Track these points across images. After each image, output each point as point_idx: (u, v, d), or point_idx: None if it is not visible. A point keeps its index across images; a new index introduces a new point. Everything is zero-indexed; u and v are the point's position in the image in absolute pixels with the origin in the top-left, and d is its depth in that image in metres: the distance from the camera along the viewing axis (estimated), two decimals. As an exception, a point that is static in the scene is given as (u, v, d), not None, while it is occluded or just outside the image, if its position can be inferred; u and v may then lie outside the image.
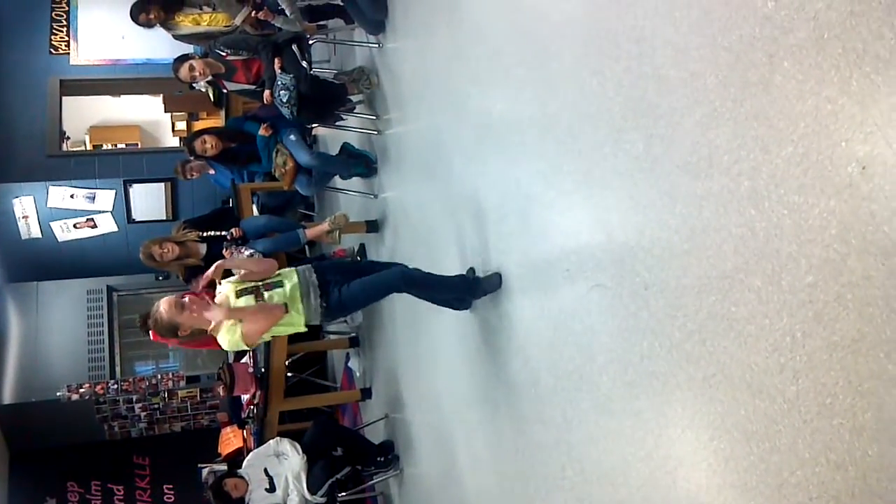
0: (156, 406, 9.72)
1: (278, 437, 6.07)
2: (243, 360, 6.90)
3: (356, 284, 3.81)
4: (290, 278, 3.74)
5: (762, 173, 1.87)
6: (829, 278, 1.70)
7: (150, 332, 3.87)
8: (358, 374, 7.16)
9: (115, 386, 9.53)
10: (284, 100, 5.28)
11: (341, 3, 5.40)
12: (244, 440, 7.56)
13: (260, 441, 6.58)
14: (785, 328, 1.84)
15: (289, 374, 6.94)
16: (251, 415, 6.84)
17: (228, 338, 3.61)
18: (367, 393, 6.76)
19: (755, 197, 1.90)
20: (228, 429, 8.29)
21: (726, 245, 2.02)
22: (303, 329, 3.82)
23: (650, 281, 2.40)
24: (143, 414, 9.72)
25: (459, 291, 3.97)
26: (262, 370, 6.30)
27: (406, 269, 4.03)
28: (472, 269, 3.96)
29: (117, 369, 9.91)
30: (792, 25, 1.74)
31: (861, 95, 1.60)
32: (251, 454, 6.16)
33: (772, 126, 1.83)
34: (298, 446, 5.83)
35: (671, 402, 2.34)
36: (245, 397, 6.89)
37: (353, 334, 7.21)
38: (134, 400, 9.62)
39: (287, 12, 5.34)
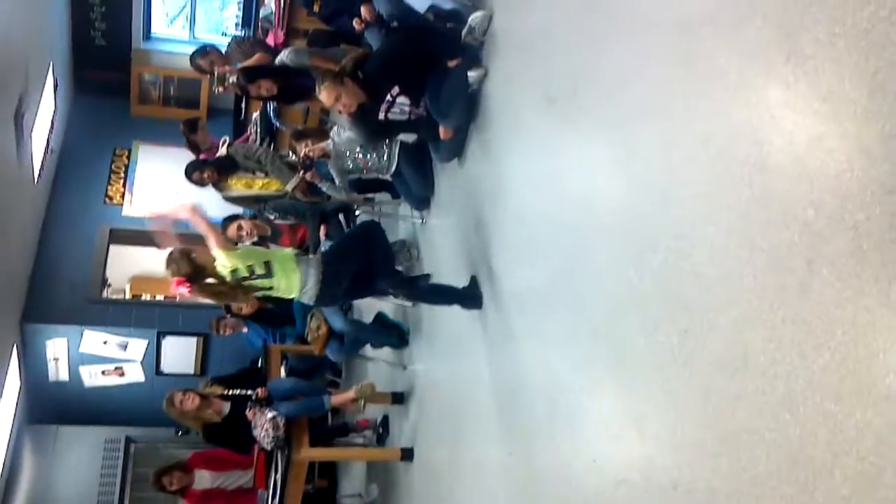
0: (159, 568, 9.39)
1: None
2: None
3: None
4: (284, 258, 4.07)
5: (798, 378, 1.85)
6: (865, 492, 1.64)
7: (177, 280, 3.83)
8: (369, 556, 6.92)
9: (121, 541, 9.28)
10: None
11: (389, 179, 5.57)
12: None
13: None
14: (817, 542, 1.76)
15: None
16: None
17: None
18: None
19: (790, 401, 1.86)
20: None
21: (758, 449, 1.97)
22: (285, 292, 4.03)
23: (679, 480, 2.33)
24: (145, 573, 9.38)
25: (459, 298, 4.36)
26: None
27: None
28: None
29: (124, 523, 9.67)
30: (832, 234, 1.76)
31: (900, 308, 1.59)
32: None
33: (810, 331, 1.82)
34: None
35: None
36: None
37: (367, 510, 7.02)
38: (138, 558, 9.32)
39: (336, 180, 5.52)
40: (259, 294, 4.08)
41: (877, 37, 1.68)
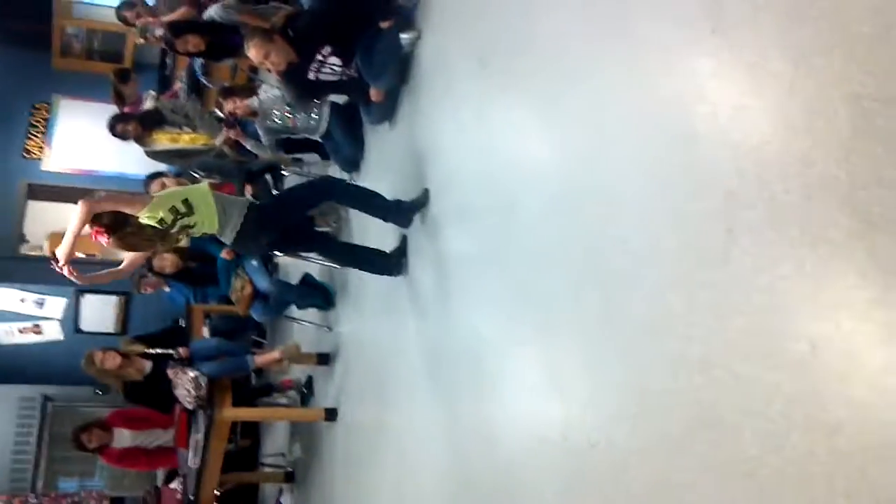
0: (74, 526, 9.30)
1: None
2: (172, 485, 6.68)
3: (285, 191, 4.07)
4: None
5: (714, 342, 1.91)
6: (772, 452, 1.71)
7: (96, 230, 3.72)
8: (289, 513, 6.94)
9: (35, 500, 9.13)
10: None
11: (319, 139, 5.52)
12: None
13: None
14: (726, 499, 1.83)
15: (218, 505, 6.70)
16: (173, 544, 6.56)
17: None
18: (296, 533, 6.54)
19: (705, 364, 1.93)
20: (148, 557, 7.93)
21: (674, 410, 2.03)
22: (208, 228, 3.96)
23: (598, 440, 2.39)
24: (60, 533, 9.27)
25: (391, 212, 4.34)
26: (191, 498, 6.09)
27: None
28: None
29: (39, 483, 9.51)
30: (752, 203, 1.82)
31: (814, 276, 1.65)
32: None
33: (727, 296, 1.88)
34: None
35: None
36: (170, 525, 6.63)
37: (290, 469, 7.03)
38: (52, 518, 9.20)
39: (262, 139, 5.45)
40: (182, 236, 3.97)
41: (801, 10, 1.72)
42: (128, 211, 3.75)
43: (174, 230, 3.83)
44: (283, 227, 4.24)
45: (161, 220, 3.76)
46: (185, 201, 3.85)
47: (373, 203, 4.44)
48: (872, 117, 1.55)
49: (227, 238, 4.06)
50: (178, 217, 3.82)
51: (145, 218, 3.74)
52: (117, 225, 3.69)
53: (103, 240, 3.65)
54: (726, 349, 1.87)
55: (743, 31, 1.91)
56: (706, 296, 1.95)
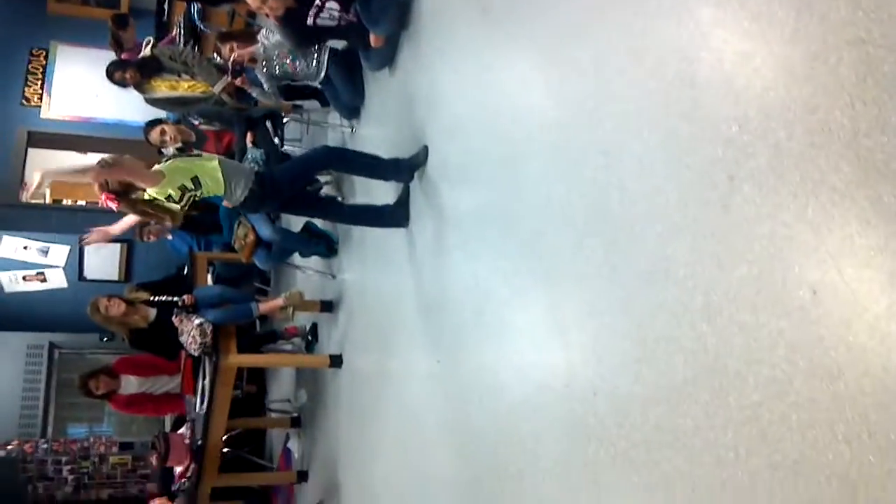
0: (85, 470, 9.40)
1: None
2: (180, 431, 6.75)
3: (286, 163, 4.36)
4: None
5: (716, 290, 1.92)
6: (775, 398, 1.73)
7: (105, 195, 3.82)
8: (296, 456, 7.03)
9: (45, 446, 9.25)
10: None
11: (319, 86, 5.48)
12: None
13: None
14: (729, 444, 1.85)
15: (225, 450, 6.79)
16: (182, 488, 6.65)
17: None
18: (303, 476, 6.62)
19: (708, 312, 1.94)
20: (157, 500, 8.04)
21: (677, 357, 2.05)
22: (216, 189, 4.02)
23: (599, 387, 2.41)
24: (70, 477, 9.38)
25: (391, 172, 4.38)
26: (199, 442, 6.17)
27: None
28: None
29: (49, 429, 9.65)
30: (754, 150, 1.81)
31: (816, 224, 1.65)
32: None
33: (729, 245, 1.88)
34: None
35: (611, 510, 2.33)
36: (178, 469, 6.71)
37: (296, 414, 7.11)
38: (63, 462, 9.32)
39: (265, 86, 5.41)
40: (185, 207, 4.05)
41: (806, -44, 1.70)
42: (138, 184, 3.84)
43: (182, 203, 3.95)
44: (287, 196, 4.29)
45: (169, 197, 3.84)
46: (195, 179, 3.91)
47: (372, 168, 4.49)
48: (878, 63, 1.53)
49: (231, 202, 4.14)
50: (187, 192, 3.91)
51: (156, 194, 3.82)
52: (125, 192, 3.81)
53: (112, 204, 3.75)
54: (729, 297, 1.88)
55: (747, -25, 1.88)
56: (708, 244, 1.96)
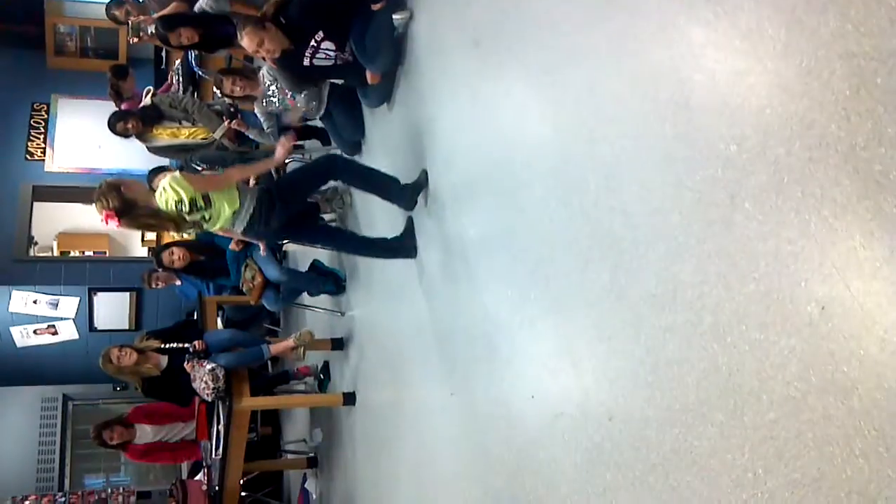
0: (103, 522, 9.38)
1: None
2: (197, 478, 6.73)
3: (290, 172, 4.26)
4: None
5: (724, 309, 1.91)
6: (791, 415, 1.72)
7: (106, 214, 3.82)
8: (314, 497, 7.00)
9: (63, 499, 9.21)
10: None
11: (319, 125, 5.51)
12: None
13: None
14: (747, 464, 1.84)
15: (243, 494, 6.76)
16: (202, 534, 6.62)
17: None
18: (323, 516, 6.59)
19: (718, 332, 1.93)
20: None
21: (689, 378, 2.04)
22: (214, 220, 4.03)
23: (614, 411, 2.40)
24: (89, 530, 9.35)
25: (394, 192, 4.36)
26: (217, 488, 6.14)
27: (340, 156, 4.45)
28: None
29: (66, 481, 9.61)
30: (754, 169, 1.81)
31: (820, 238, 1.65)
32: None
33: (734, 264, 1.88)
34: None
35: (632, 537, 2.31)
36: (197, 516, 6.68)
37: (312, 454, 7.08)
38: (81, 514, 9.29)
39: (264, 126, 5.45)
40: (191, 225, 4.05)
41: (793, -27, 1.71)
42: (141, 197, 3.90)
43: (189, 217, 3.95)
44: (293, 208, 4.28)
45: (179, 202, 3.84)
46: (206, 196, 3.93)
47: (375, 180, 4.50)
48: (871, 76, 1.54)
49: (239, 226, 4.12)
50: (196, 210, 3.93)
51: (167, 195, 3.84)
52: (125, 209, 3.83)
53: (113, 223, 3.77)
54: (738, 316, 1.87)
55: (736, -5, 1.89)
56: (713, 263, 1.95)
